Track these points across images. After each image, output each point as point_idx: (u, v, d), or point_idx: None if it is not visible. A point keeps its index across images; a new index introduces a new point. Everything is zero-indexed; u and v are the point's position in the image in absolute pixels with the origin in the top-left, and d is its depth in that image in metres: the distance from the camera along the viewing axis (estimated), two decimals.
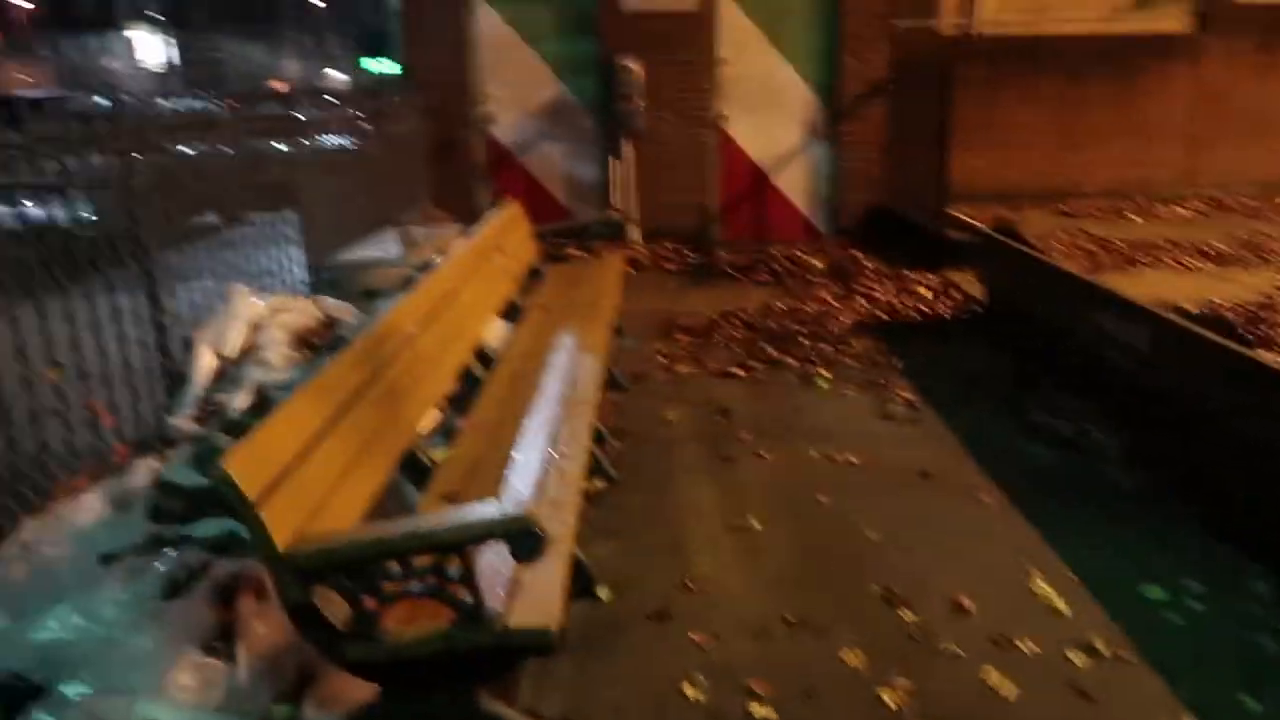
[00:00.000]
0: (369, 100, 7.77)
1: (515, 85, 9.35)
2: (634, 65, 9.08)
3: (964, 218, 8.96)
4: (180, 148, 4.70)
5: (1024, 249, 5.86)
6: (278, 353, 4.11)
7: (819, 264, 8.23)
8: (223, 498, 1.96)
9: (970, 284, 7.20)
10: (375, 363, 2.88)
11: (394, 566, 2.06)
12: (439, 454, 3.08)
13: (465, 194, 9.41)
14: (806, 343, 6.09)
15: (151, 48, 49.10)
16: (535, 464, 2.98)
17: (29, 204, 3.84)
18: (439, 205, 9.32)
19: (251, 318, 4.37)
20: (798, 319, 6.65)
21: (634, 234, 9.42)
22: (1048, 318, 5.47)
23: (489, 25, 9.25)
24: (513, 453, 3.07)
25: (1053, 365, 5.31)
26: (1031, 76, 12.16)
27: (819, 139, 9.51)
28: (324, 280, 5.84)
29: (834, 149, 9.50)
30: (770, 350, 5.97)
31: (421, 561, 2.07)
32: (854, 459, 4.37)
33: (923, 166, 8.31)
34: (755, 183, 9.61)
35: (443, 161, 9.36)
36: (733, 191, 9.61)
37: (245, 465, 1.98)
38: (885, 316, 6.76)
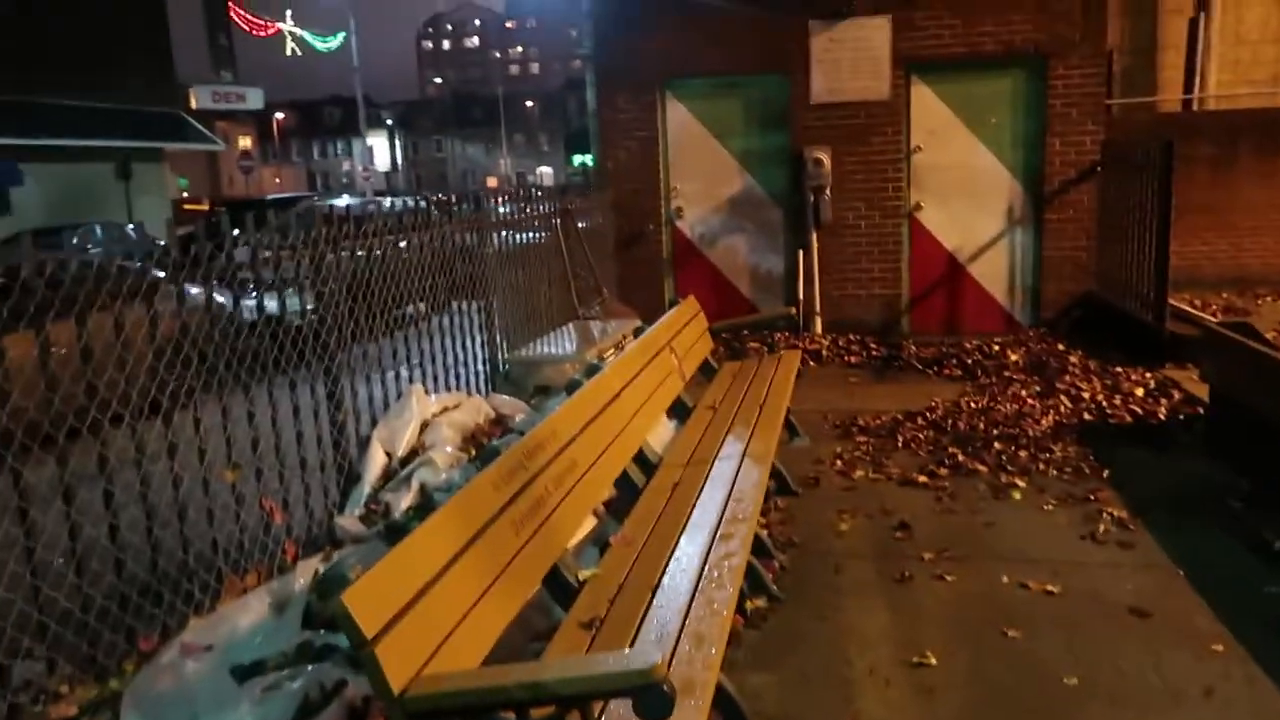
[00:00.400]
0: (560, 196, 8.02)
1: (703, 179, 9.43)
2: (822, 156, 8.97)
3: (1185, 308, 8.15)
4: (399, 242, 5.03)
5: (1255, 345, 5.19)
6: (443, 453, 4.17)
7: (1016, 357, 7.67)
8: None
9: (1193, 383, 6.47)
10: (522, 478, 2.82)
11: (510, 716, 1.93)
12: (586, 572, 2.96)
13: (651, 287, 9.51)
14: (1000, 447, 5.62)
15: (382, 152, 54.11)
16: (683, 592, 2.82)
17: (253, 297, 4.14)
18: (625, 298, 9.46)
19: (423, 416, 4.48)
20: (991, 419, 6.17)
21: (817, 326, 9.17)
22: None
23: (678, 120, 9.43)
24: (662, 577, 2.93)
25: None
26: (1268, 153, 11.07)
27: (1020, 225, 8.99)
28: (502, 375, 5.96)
29: (1037, 236, 8.94)
30: (959, 455, 5.54)
31: (540, 713, 1.94)
32: (1052, 587, 3.90)
33: (1138, 252, 7.64)
34: (949, 272, 9.17)
35: (630, 255, 9.52)
36: (924, 282, 9.21)
37: (366, 599, 1.93)
38: (1092, 418, 6.17)
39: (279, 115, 72.53)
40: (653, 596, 2.80)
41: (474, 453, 4.41)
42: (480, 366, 5.94)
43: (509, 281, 6.42)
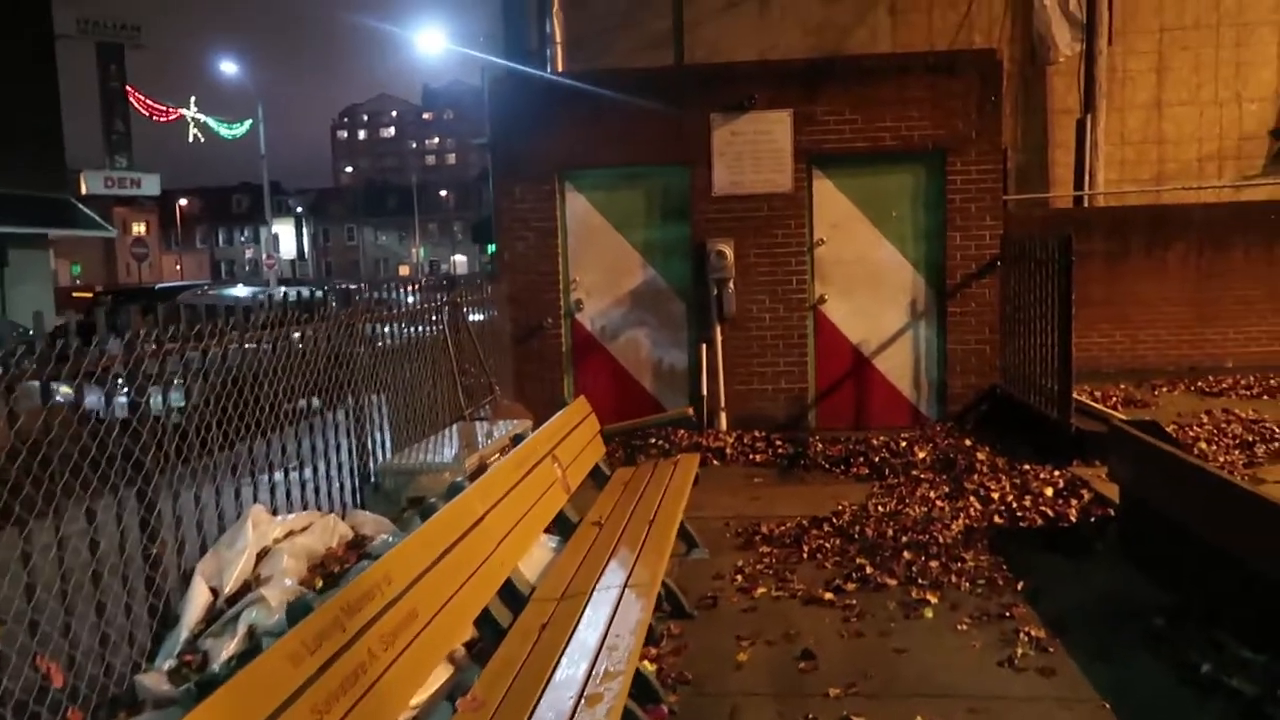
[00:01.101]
0: (449, 287, 7.59)
1: (604, 270, 9.12)
2: (725, 248, 8.76)
3: (1090, 402, 8.06)
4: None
5: (1166, 448, 4.98)
6: (280, 587, 3.59)
7: (924, 454, 7.42)
8: None
9: (1102, 482, 6.27)
10: (337, 642, 2.30)
11: None
12: None
13: (549, 383, 9.08)
14: (909, 556, 5.26)
15: (289, 239, 53.09)
16: None
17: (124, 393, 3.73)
18: (522, 395, 9.00)
19: (262, 542, 3.90)
20: (900, 524, 5.83)
21: (722, 423, 8.83)
22: (1202, 533, 4.53)
23: (578, 211, 9.14)
24: None
25: (1215, 593, 4.34)
26: (1158, 247, 11.34)
27: (924, 319, 8.88)
28: (372, 486, 5.40)
29: (940, 329, 8.83)
30: (867, 566, 5.15)
31: None
32: None
33: (1040, 347, 7.54)
34: (855, 366, 8.97)
35: (528, 349, 9.09)
36: (830, 376, 8.98)
37: None
38: (1002, 521, 5.88)
39: (183, 201, 71.01)
40: None
41: (320, 584, 3.84)
42: (347, 477, 5.37)
43: (384, 380, 5.90)
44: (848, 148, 8.72)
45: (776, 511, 6.32)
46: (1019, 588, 4.82)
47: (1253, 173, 13.58)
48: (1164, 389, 10.28)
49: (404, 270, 78.52)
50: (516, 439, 4.52)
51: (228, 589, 3.65)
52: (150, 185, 29.88)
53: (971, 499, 6.26)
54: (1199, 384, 10.35)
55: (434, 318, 6.92)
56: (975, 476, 6.72)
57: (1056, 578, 4.96)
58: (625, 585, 3.56)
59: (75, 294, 31.14)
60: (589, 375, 9.16)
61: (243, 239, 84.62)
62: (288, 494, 4.64)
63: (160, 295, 20.68)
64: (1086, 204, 13.00)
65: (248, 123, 40.58)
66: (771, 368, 8.94)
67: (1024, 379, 8.08)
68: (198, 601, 3.56)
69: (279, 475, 4.57)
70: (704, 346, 8.88)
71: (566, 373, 9.17)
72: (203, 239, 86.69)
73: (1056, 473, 6.66)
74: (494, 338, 8.72)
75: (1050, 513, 5.94)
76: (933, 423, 8.72)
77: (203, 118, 36.84)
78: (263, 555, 3.87)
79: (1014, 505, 6.10)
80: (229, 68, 38.88)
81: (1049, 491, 6.27)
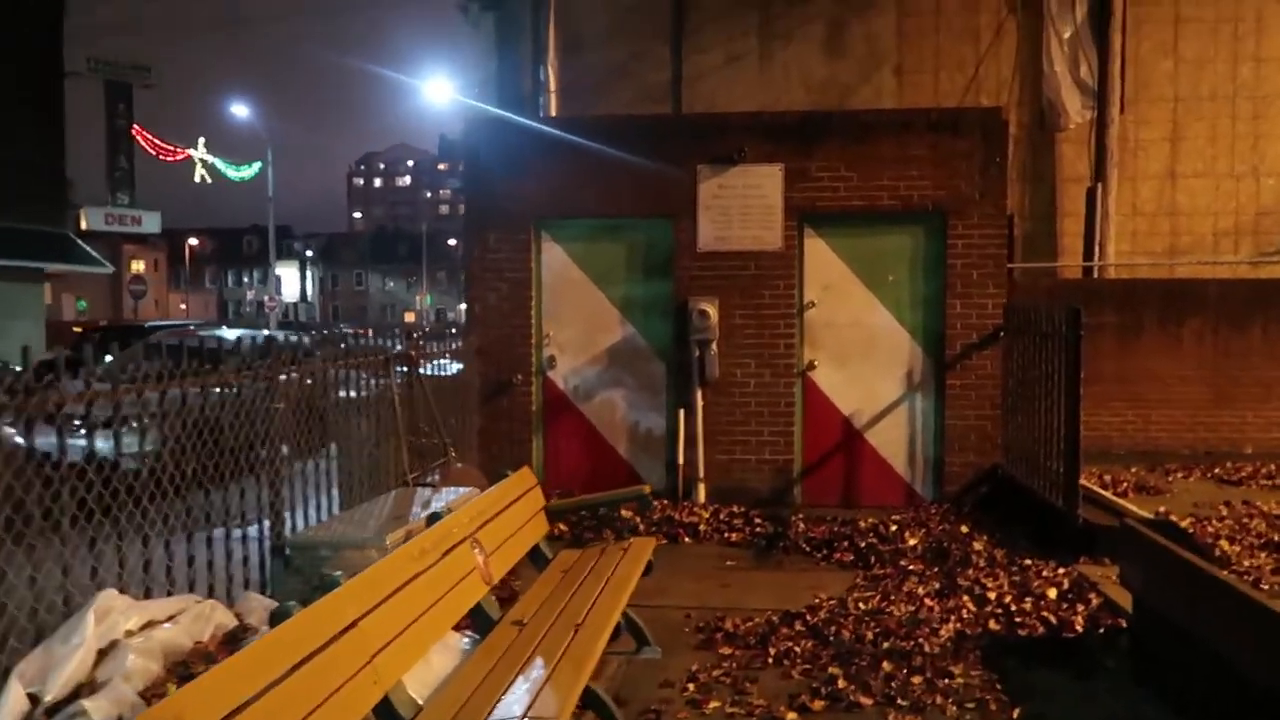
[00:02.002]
0: (406, 338, 7.04)
1: (579, 326, 8.56)
2: (709, 307, 8.20)
3: (1101, 492, 7.41)
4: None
5: (1187, 556, 4.33)
6: (116, 693, 2.96)
7: (915, 541, 6.76)
8: None
9: (1111, 584, 5.60)
10: None
11: None
12: None
13: (518, 444, 8.46)
14: (890, 668, 4.58)
15: (293, 282, 52.92)
16: None
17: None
18: (489, 456, 8.39)
19: (109, 635, 3.27)
20: (882, 625, 5.15)
21: (700, 494, 8.19)
22: (1230, 657, 3.86)
23: (554, 263, 8.61)
24: None
25: None
26: (1172, 323, 10.74)
27: (921, 391, 8.27)
28: (282, 562, 4.77)
29: (939, 402, 8.22)
30: (840, 678, 4.47)
31: None
32: None
33: (1045, 427, 6.92)
34: (845, 439, 8.34)
35: (495, 407, 8.50)
36: (818, 448, 8.35)
37: None
38: (999, 627, 5.20)
39: (193, 241, 71.17)
40: None
41: (174, 689, 3.20)
42: (254, 550, 4.74)
43: (311, 440, 5.31)
44: (842, 206, 8.20)
45: (745, 603, 5.64)
46: (1015, 715, 4.14)
47: (1270, 249, 13.03)
48: (1179, 474, 9.61)
49: (409, 317, 78.27)
50: (432, 519, 3.90)
51: (50, 695, 3.01)
52: (151, 223, 29.66)
53: (965, 598, 5.58)
54: (1216, 470, 9.68)
55: (380, 371, 6.34)
56: (970, 571, 6.05)
57: (1060, 701, 4.28)
58: (526, 714, 2.91)
59: (75, 328, 30.81)
60: (560, 437, 8.55)
61: (252, 281, 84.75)
62: (168, 571, 4.01)
63: (147, 333, 20.26)
64: (1096, 275, 12.44)
65: (257, 165, 40.60)
66: (755, 437, 8.31)
67: (1027, 460, 7.44)
68: (11, 711, 2.92)
69: (160, 547, 3.96)
70: (683, 412, 8.28)
71: (536, 433, 8.56)
72: (212, 279, 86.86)
73: (1061, 570, 5.99)
74: (460, 394, 8.15)
75: (1053, 619, 5.25)
76: (927, 504, 8.06)
77: (210, 159, 36.82)
78: (107, 652, 3.24)
79: (1013, 608, 5.42)
80: (240, 110, 39.01)
81: (1052, 593, 5.59)
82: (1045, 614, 5.31)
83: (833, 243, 8.34)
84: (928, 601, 5.54)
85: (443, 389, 7.86)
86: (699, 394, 8.28)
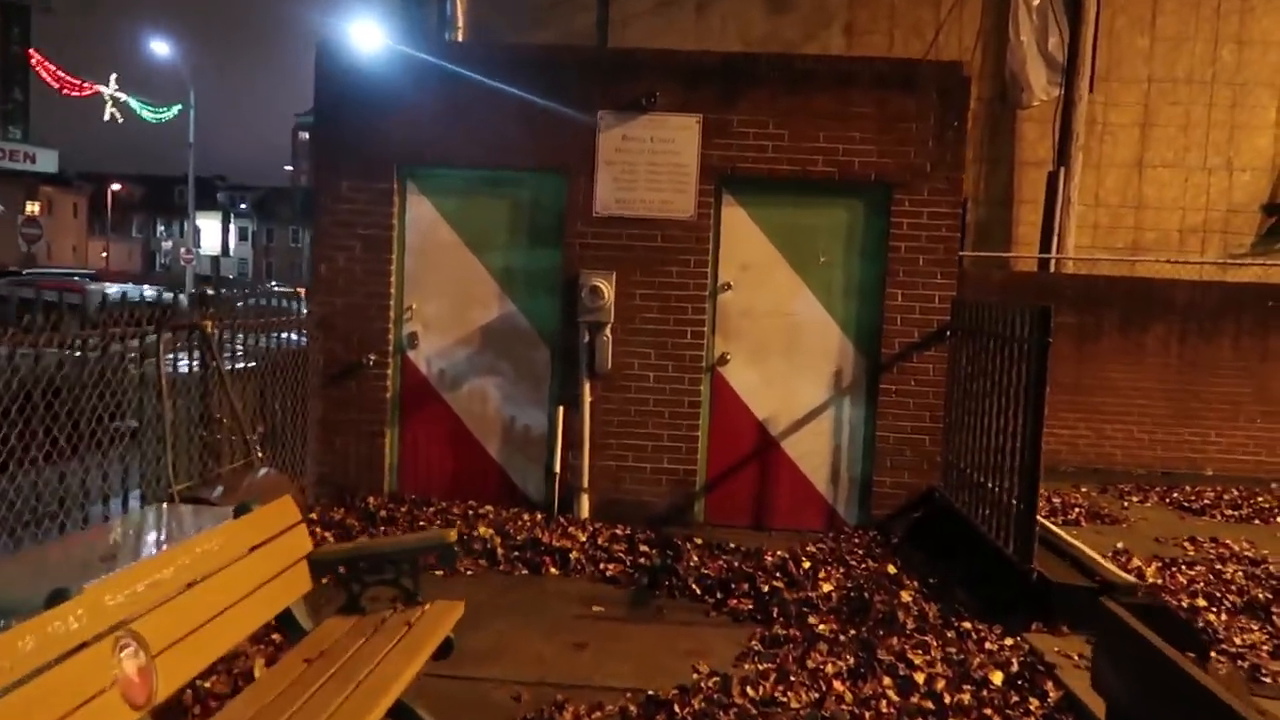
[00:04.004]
0: (200, 304, 5.52)
1: (449, 299, 7.08)
2: (603, 284, 6.79)
3: (1055, 530, 6.15)
4: None
5: (1199, 677, 3.03)
6: None
7: (830, 587, 5.44)
8: None
9: (1073, 668, 4.35)
10: None
11: None
12: None
13: (366, 441, 6.99)
14: None
15: (214, 234, 50.01)
16: None
17: None
18: (331, 453, 6.92)
19: None
20: None
21: (583, 509, 6.81)
22: None
23: (421, 220, 7.10)
24: None
25: None
26: (1134, 327, 9.60)
27: (851, 396, 6.96)
28: None
29: (870, 411, 6.92)
30: None
31: None
32: None
33: (996, 450, 5.66)
34: (759, 448, 7.01)
35: (340, 394, 6.99)
36: (727, 458, 7.01)
37: None
38: None
39: (115, 186, 67.56)
40: None
41: None
42: None
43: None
44: (769, 169, 6.82)
45: (599, 678, 4.26)
46: None
47: (1240, 250, 12.01)
48: (1134, 498, 8.50)
49: None
50: (53, 598, 2.44)
51: None
52: (46, 161, 27.27)
53: (886, 681, 4.26)
54: (1175, 495, 8.59)
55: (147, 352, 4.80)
56: (895, 638, 4.73)
57: None
58: None
59: None
60: (419, 433, 7.09)
61: (181, 232, 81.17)
62: None
63: (27, 283, 18.43)
64: (1053, 268, 11.28)
65: (176, 107, 37.87)
66: (653, 442, 6.94)
67: (971, 487, 6.17)
68: None
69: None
70: (563, 409, 6.86)
71: (390, 427, 7.08)
72: (139, 228, 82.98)
73: (1009, 642, 4.70)
74: (295, 377, 6.64)
75: None
76: (850, 530, 6.78)
77: (123, 96, 34.17)
78: None
79: (946, 699, 4.11)
80: (160, 47, 36.40)
81: (998, 678, 4.29)
82: (988, 713, 4.01)
83: (755, 213, 6.95)
84: (837, 685, 4.21)
85: (277, 370, 6.37)
86: (587, 387, 6.88)
